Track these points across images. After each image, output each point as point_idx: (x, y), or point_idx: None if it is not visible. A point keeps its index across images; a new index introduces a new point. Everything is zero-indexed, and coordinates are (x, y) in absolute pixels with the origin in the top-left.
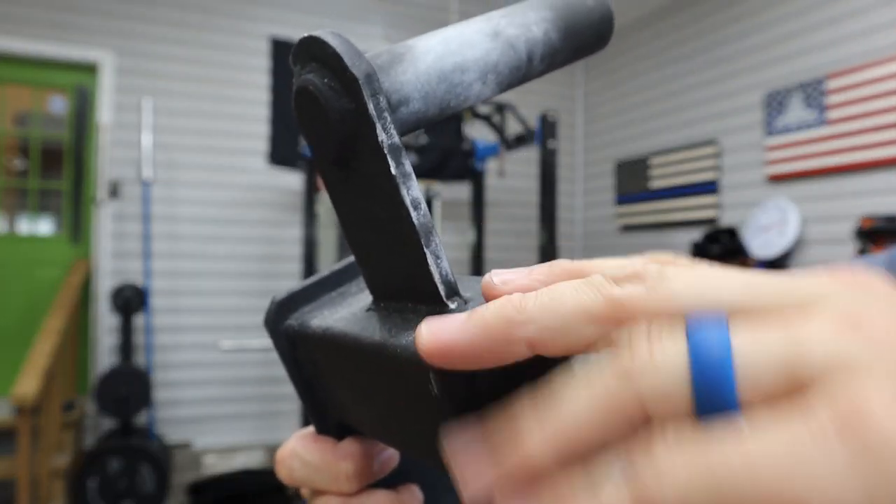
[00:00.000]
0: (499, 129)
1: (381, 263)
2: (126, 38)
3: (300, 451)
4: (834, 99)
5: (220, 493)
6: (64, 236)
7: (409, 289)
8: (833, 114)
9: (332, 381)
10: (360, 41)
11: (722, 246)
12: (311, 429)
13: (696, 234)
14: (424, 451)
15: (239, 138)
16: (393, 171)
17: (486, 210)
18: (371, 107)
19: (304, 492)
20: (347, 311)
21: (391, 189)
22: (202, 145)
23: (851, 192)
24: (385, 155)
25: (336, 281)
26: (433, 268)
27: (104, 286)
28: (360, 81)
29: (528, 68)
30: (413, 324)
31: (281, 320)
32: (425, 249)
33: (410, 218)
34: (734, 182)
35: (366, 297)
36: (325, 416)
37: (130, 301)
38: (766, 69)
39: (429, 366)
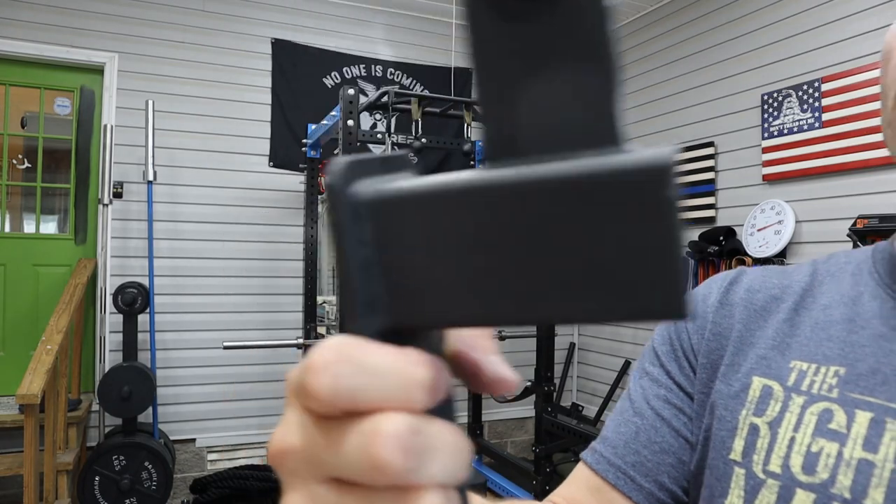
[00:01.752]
0: None
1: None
2: (130, 40)
3: (355, 353)
4: (828, 101)
5: (223, 491)
6: (68, 236)
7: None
8: (828, 116)
9: (416, 258)
10: (362, 44)
11: (719, 245)
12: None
13: (693, 234)
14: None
15: (241, 139)
16: None
17: None
18: None
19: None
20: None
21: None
22: (204, 146)
23: (846, 193)
24: None
25: (396, 165)
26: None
27: (108, 285)
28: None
29: None
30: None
31: (348, 184)
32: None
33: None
34: (731, 182)
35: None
36: (375, 317)
37: (134, 300)
38: (762, 72)
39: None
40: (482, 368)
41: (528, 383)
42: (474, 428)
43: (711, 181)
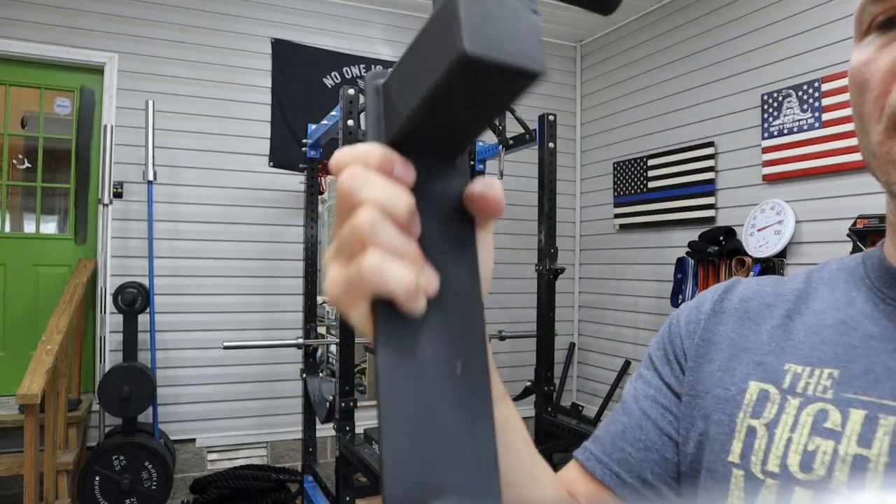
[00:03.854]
0: (498, 130)
1: None
2: (130, 40)
3: (374, 151)
4: (828, 101)
5: (223, 490)
6: (68, 236)
7: None
8: (828, 116)
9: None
10: (362, 44)
11: (719, 245)
12: None
13: (693, 234)
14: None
15: (241, 139)
16: None
17: None
18: None
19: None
20: None
21: None
22: (204, 146)
23: (846, 193)
24: None
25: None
26: None
27: (108, 285)
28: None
29: None
30: None
31: (372, 79)
32: None
33: None
34: (731, 182)
35: None
36: (379, 138)
37: (134, 300)
38: (762, 72)
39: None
40: (475, 185)
41: (529, 383)
42: None
43: (711, 181)
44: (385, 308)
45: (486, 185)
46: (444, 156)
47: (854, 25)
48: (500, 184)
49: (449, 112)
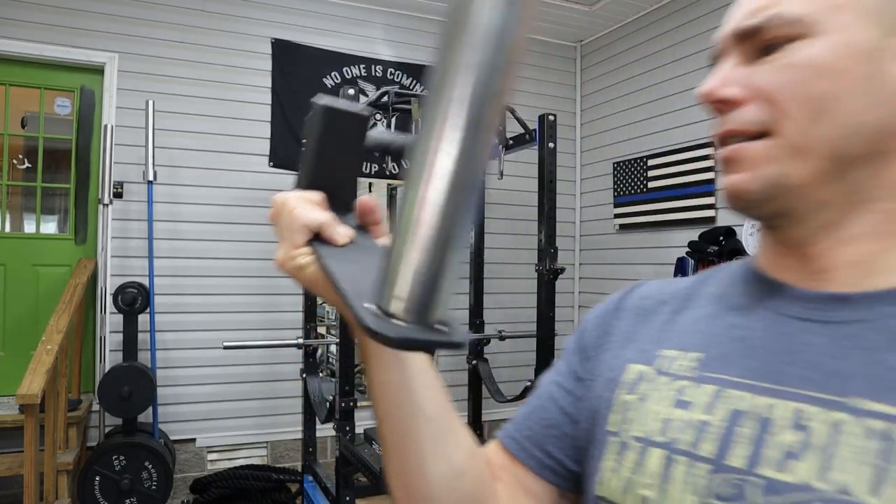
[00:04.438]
0: (498, 131)
1: None
2: (130, 40)
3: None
4: None
5: (223, 491)
6: (68, 236)
7: None
8: None
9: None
10: (362, 44)
11: (719, 245)
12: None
13: (693, 234)
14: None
15: (241, 139)
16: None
17: (486, 210)
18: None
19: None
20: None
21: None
22: (204, 146)
23: None
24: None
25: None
26: None
27: (108, 285)
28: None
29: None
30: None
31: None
32: None
33: None
34: None
35: None
36: (302, 182)
37: (134, 300)
38: None
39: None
40: (362, 205)
41: (529, 383)
42: (474, 428)
43: (711, 181)
44: (318, 241)
45: (369, 204)
46: (343, 205)
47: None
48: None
49: (331, 158)
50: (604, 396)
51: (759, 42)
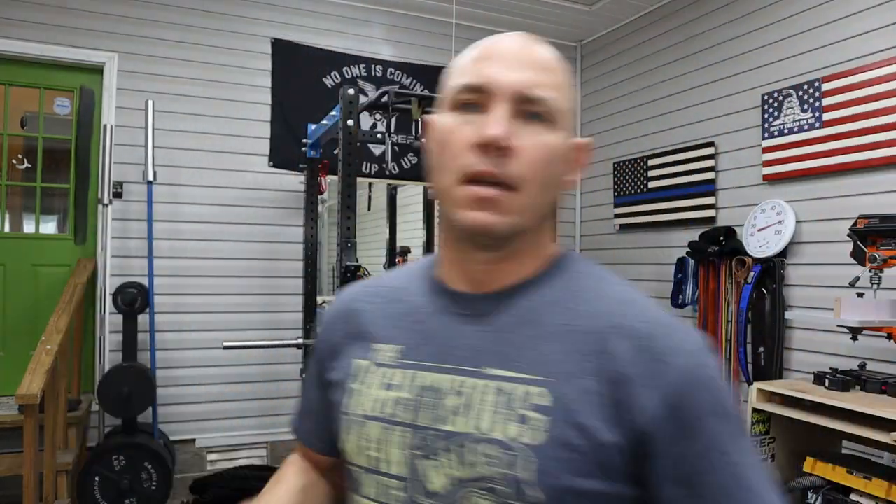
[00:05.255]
0: None
1: None
2: (130, 40)
3: None
4: (829, 101)
5: (223, 491)
6: (68, 236)
7: None
8: (828, 116)
9: None
10: (362, 44)
11: (719, 245)
12: None
13: (693, 234)
14: None
15: (240, 139)
16: None
17: None
18: None
19: None
20: None
21: None
22: (204, 146)
23: (846, 193)
24: None
25: None
26: None
27: (108, 285)
28: None
29: None
30: None
31: None
32: None
33: None
34: (731, 182)
35: None
36: None
37: (134, 300)
38: (762, 72)
39: None
40: None
41: None
42: None
43: (711, 181)
44: None
45: None
46: None
47: (445, 95)
48: None
49: None
50: (341, 387)
51: (528, 108)
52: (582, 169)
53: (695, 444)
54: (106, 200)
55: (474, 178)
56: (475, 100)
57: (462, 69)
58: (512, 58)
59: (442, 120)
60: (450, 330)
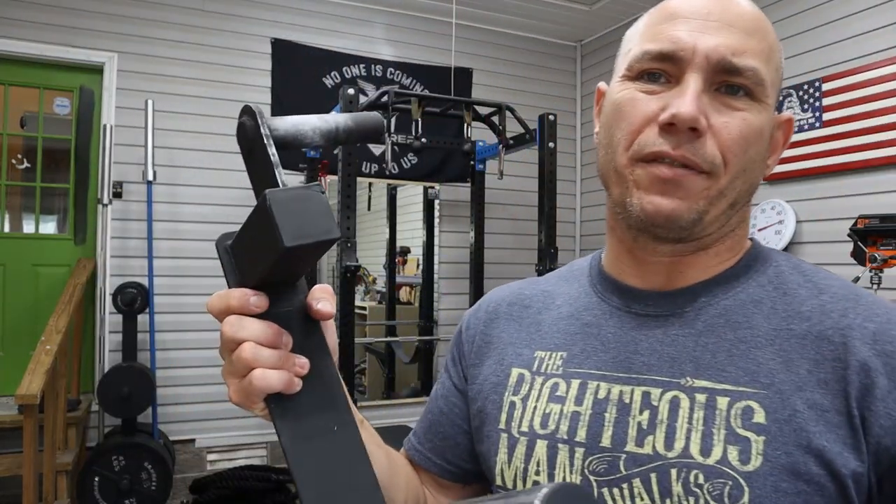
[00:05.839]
0: (498, 130)
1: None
2: (130, 40)
3: (234, 294)
4: (829, 101)
5: (223, 491)
6: (68, 236)
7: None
8: (828, 116)
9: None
10: (362, 44)
11: None
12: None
13: None
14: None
15: None
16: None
17: (486, 210)
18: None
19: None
20: None
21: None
22: (204, 146)
23: (846, 193)
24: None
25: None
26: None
27: (108, 285)
28: (258, 114)
29: (335, 134)
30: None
31: (221, 241)
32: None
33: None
34: None
35: None
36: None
37: (134, 300)
38: None
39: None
40: (310, 301)
41: None
42: None
43: None
44: (274, 397)
45: (320, 304)
46: (287, 283)
47: (620, 63)
48: (331, 292)
49: (284, 269)
50: (491, 399)
51: (728, 80)
52: (784, 148)
53: None
54: (106, 200)
55: (656, 158)
56: (663, 69)
57: (644, 31)
58: (709, 16)
59: (619, 89)
60: (631, 333)
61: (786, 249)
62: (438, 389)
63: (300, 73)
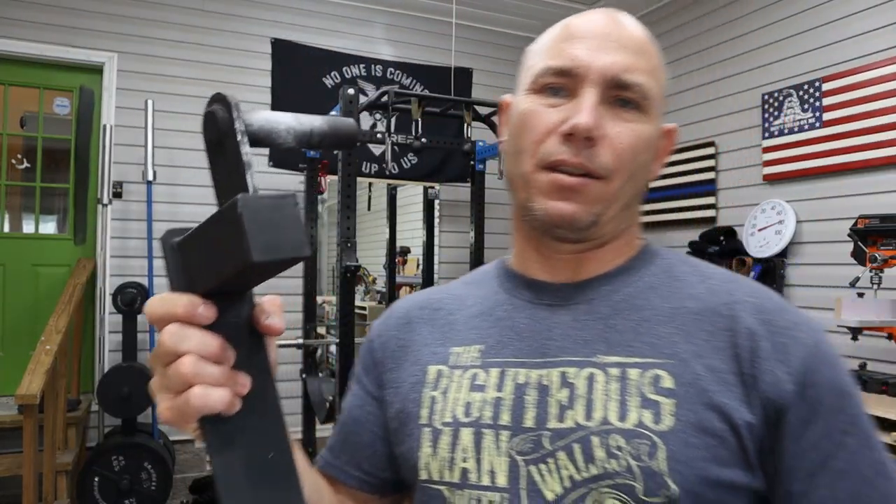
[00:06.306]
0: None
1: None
2: (129, 40)
3: (180, 301)
4: (829, 101)
5: None
6: (68, 236)
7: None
8: (828, 116)
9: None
10: (362, 44)
11: (720, 245)
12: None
13: (693, 234)
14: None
15: None
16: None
17: (486, 210)
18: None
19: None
20: None
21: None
22: (204, 146)
23: (846, 193)
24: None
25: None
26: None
27: (108, 285)
28: (233, 105)
29: (309, 137)
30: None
31: (168, 238)
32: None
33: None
34: (732, 182)
35: None
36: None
37: (133, 300)
38: (763, 72)
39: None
40: (259, 315)
41: None
42: None
43: (712, 181)
44: (210, 418)
45: (270, 319)
46: (237, 294)
47: (525, 77)
48: (280, 305)
49: (240, 281)
50: (410, 398)
51: (620, 94)
52: (668, 155)
53: (827, 427)
54: (105, 200)
55: (557, 166)
56: (563, 83)
57: (546, 49)
58: (602, 37)
59: (524, 102)
60: (542, 322)
61: (786, 249)
62: (351, 401)
63: (300, 73)
